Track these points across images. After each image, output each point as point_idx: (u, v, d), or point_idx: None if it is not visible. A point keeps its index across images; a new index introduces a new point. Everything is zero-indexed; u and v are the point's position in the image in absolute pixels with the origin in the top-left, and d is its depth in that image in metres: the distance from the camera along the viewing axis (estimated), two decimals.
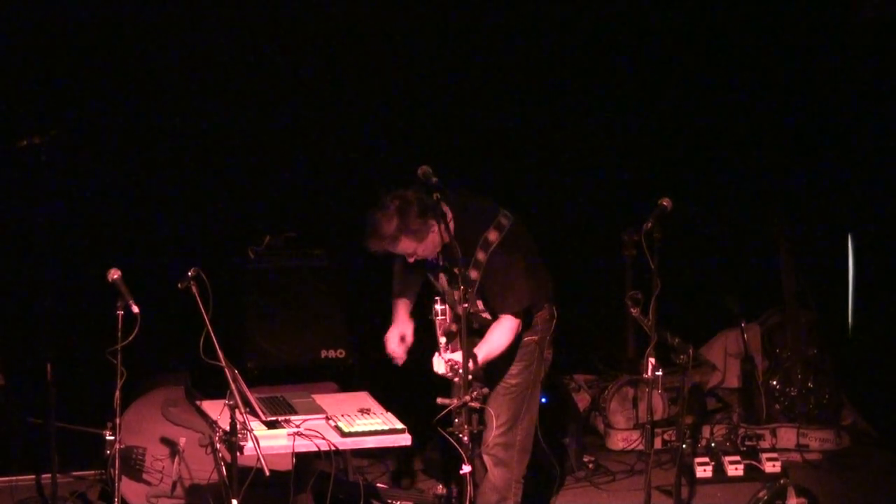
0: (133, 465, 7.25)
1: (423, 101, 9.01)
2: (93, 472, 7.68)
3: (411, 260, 6.46)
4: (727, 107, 9.21)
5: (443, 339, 6.41)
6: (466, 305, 6.09)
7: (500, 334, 6.41)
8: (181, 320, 6.29)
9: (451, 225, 6.34)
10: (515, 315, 6.41)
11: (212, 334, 5.86)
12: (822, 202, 9.04)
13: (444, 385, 6.23)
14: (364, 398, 6.70)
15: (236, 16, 8.72)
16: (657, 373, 6.35)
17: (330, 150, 9.00)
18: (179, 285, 5.96)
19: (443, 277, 6.57)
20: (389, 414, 6.40)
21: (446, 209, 6.32)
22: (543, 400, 7.31)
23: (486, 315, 6.51)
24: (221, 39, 8.70)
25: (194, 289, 5.93)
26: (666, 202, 6.38)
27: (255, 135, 8.88)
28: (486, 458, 6.57)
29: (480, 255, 6.40)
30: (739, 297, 8.77)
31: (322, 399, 6.59)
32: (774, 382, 8.59)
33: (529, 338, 6.57)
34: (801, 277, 8.58)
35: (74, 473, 7.72)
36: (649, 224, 6.30)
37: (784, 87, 9.12)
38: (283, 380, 7.96)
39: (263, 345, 8.33)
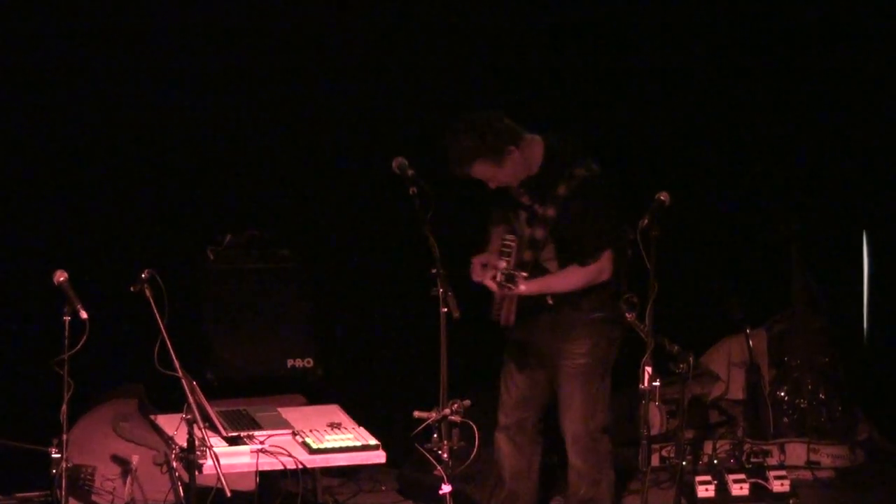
0: (81, 486, 7.23)
1: (400, 94, 9.03)
2: (37, 493, 7.62)
3: (492, 186, 6.52)
4: (735, 100, 9.24)
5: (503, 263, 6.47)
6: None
7: (568, 273, 6.50)
8: (134, 327, 6.37)
9: (540, 155, 6.49)
10: (590, 262, 6.49)
11: (168, 342, 5.88)
12: (836, 198, 9.08)
13: (421, 397, 6.21)
14: (334, 412, 6.72)
15: (196, 9, 8.74)
16: (654, 383, 6.35)
17: (297, 140, 8.98)
18: (132, 288, 5.96)
19: (522, 215, 6.61)
20: (362, 429, 6.43)
21: (537, 140, 6.48)
22: None
23: (551, 266, 6.55)
24: (180, 31, 8.70)
25: (148, 292, 5.94)
26: (664, 197, 6.37)
27: (214, 122, 8.85)
28: (568, 446, 6.69)
29: (562, 190, 6.47)
30: (744, 300, 8.76)
31: (288, 413, 6.62)
32: (782, 393, 8.59)
33: (596, 315, 6.66)
34: (812, 279, 8.59)
35: (17, 495, 7.68)
36: (646, 221, 6.29)
37: (796, 82, 9.17)
38: (246, 392, 7.94)
39: (224, 354, 8.33)
